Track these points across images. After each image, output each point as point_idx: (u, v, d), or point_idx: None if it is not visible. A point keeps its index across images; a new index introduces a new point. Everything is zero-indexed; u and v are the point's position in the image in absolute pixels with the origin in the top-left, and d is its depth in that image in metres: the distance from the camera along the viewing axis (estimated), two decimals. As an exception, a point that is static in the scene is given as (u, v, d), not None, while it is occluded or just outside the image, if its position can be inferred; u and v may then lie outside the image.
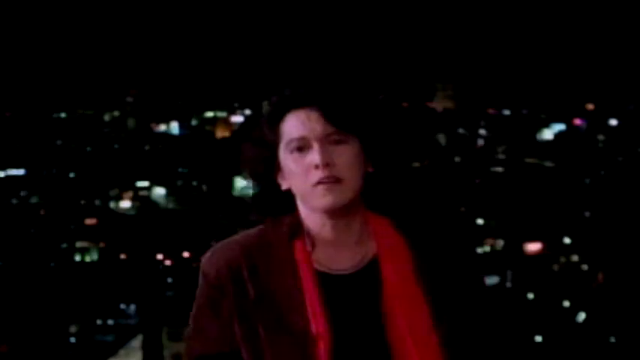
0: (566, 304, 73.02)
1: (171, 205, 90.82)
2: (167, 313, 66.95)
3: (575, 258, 79.41)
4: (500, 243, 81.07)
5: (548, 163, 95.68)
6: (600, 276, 76.86)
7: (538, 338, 67.11)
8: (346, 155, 2.50)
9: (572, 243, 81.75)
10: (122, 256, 78.99)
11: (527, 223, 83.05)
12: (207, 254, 2.62)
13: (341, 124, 2.51)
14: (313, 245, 2.59)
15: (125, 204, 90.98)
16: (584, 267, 78.26)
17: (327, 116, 2.51)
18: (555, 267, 78.50)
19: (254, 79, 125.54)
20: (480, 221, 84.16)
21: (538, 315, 69.64)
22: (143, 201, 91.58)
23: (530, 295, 74.24)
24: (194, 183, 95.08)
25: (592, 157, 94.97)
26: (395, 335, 2.48)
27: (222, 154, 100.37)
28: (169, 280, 74.83)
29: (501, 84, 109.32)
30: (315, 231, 2.58)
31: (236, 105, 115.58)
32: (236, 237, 2.65)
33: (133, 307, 69.83)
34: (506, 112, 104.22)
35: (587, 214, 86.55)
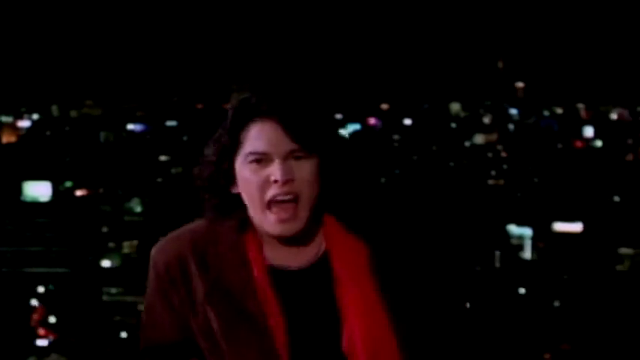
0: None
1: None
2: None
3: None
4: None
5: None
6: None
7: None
8: (306, 171, 2.45)
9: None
10: None
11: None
12: (157, 245, 2.58)
13: (307, 142, 2.45)
14: (262, 242, 2.54)
15: None
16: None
17: (294, 134, 2.44)
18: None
19: (42, 83, 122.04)
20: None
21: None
22: None
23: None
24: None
25: (387, 157, 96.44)
26: (347, 329, 2.48)
27: (9, 159, 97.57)
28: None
29: (294, 84, 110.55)
30: (264, 231, 2.52)
31: (23, 110, 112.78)
32: (187, 227, 2.58)
33: None
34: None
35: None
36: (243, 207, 2.51)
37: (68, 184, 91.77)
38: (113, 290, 72.96)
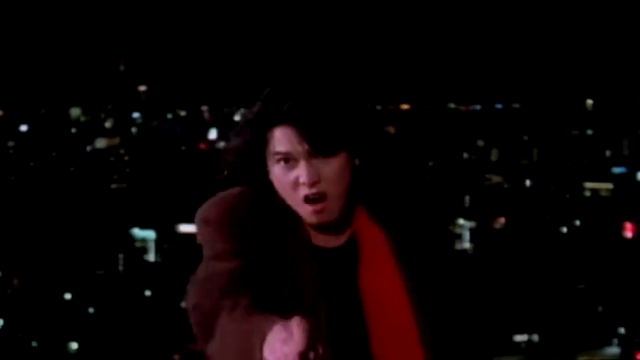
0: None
1: None
2: None
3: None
4: None
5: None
6: (16, 281, 74.17)
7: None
8: (333, 169, 2.60)
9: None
10: None
11: None
12: (206, 205, 2.66)
13: (326, 147, 2.59)
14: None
15: None
16: (-1, 274, 75.69)
17: (312, 140, 2.58)
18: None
19: None
20: None
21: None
22: None
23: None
24: None
25: (1, 165, 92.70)
26: (371, 309, 2.65)
27: None
28: None
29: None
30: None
31: None
32: (237, 188, 2.65)
33: None
34: None
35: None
36: None
37: None
38: None
